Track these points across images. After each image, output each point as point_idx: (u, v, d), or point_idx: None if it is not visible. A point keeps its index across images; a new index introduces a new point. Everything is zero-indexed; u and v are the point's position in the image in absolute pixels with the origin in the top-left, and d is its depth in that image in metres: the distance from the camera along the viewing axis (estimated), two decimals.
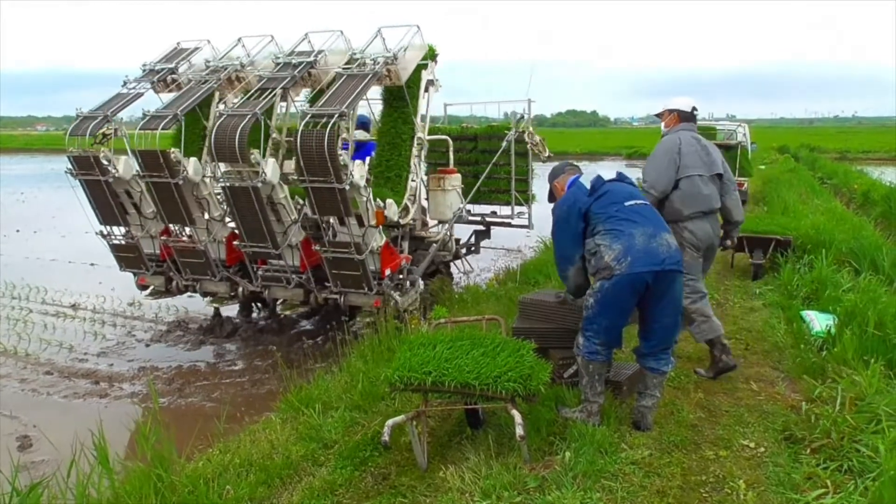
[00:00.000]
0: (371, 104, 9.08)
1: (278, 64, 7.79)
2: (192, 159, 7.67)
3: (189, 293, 8.89)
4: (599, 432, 3.97)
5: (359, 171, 7.07)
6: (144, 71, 8.43)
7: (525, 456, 3.78)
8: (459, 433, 4.37)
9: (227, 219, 8.00)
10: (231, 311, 9.63)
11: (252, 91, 7.46)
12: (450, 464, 3.89)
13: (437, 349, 3.98)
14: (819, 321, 6.01)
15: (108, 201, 7.91)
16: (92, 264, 13.26)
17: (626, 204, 4.21)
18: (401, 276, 7.85)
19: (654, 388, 4.28)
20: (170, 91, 8.50)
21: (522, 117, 9.30)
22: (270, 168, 7.08)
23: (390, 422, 3.81)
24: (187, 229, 8.14)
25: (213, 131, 6.94)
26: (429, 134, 9.07)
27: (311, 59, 7.77)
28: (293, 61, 7.72)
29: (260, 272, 7.89)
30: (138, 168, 7.55)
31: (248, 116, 6.91)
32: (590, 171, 4.85)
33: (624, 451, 3.91)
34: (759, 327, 6.52)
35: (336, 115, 6.68)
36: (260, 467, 4.03)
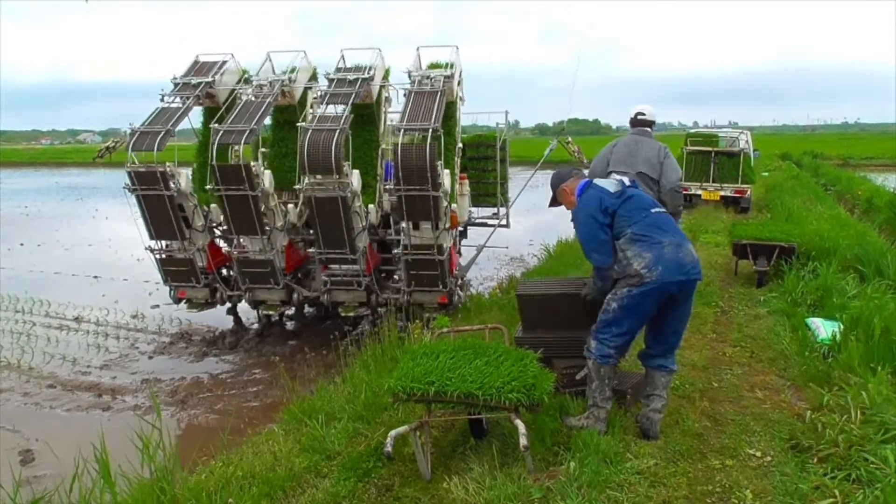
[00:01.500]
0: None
1: (331, 80, 8.28)
2: (268, 172, 7.98)
3: (230, 303, 9.14)
4: (604, 442, 3.94)
5: (447, 179, 7.67)
6: (176, 85, 8.53)
7: (529, 466, 3.75)
8: (463, 443, 4.34)
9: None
10: (224, 320, 9.62)
11: (323, 105, 8.00)
12: (453, 474, 3.86)
13: (439, 359, 3.96)
14: (824, 328, 5.97)
15: (167, 216, 8.00)
16: (95, 277, 13.29)
17: (652, 211, 4.22)
18: (459, 274, 8.46)
19: (663, 388, 4.26)
20: (201, 104, 8.67)
21: (563, 129, 9.66)
22: (356, 179, 7.62)
23: (393, 432, 3.79)
24: (243, 240, 8.26)
25: (305, 145, 7.29)
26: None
27: (367, 75, 8.36)
28: (348, 77, 8.23)
29: (324, 277, 8.27)
30: (215, 181, 7.65)
31: (338, 131, 7.34)
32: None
33: (629, 461, 3.87)
34: (763, 335, 6.48)
35: (431, 131, 7.34)
36: (263, 479, 4.00)
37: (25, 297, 11.39)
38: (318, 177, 7.53)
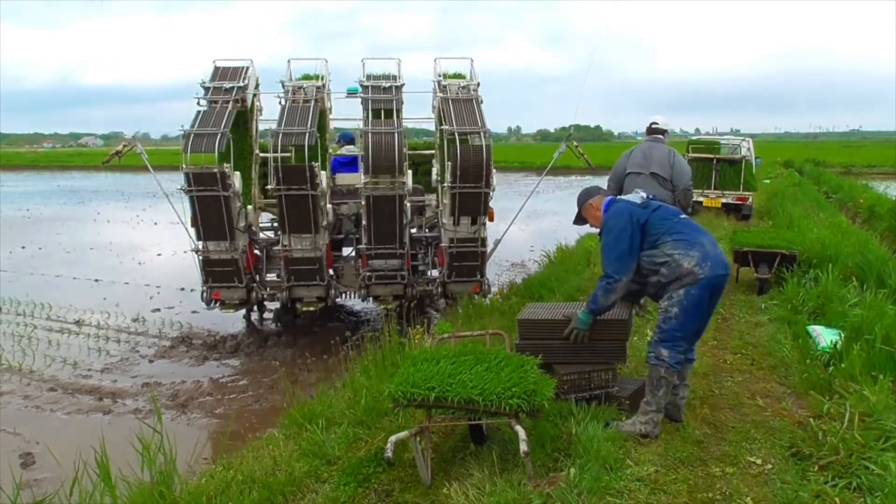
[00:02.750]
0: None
1: (365, 87, 8.83)
2: (324, 172, 8.36)
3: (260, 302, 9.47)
4: (604, 448, 3.93)
5: (495, 178, 8.37)
6: (207, 89, 8.66)
7: (529, 472, 3.74)
8: (463, 449, 4.34)
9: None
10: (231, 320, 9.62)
11: (368, 111, 8.63)
12: (453, 480, 3.86)
13: (440, 364, 3.96)
14: (825, 336, 5.97)
15: (220, 216, 8.13)
16: (96, 280, 13.30)
17: (682, 217, 4.50)
18: None
19: (687, 376, 4.59)
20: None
21: (570, 135, 10.13)
22: (410, 179, 8.23)
23: (393, 438, 3.79)
24: (285, 239, 8.49)
25: (370, 147, 7.83)
26: (414, 149, 10.56)
27: (400, 83, 9.07)
28: (383, 85, 8.88)
29: (365, 273, 8.68)
30: (277, 181, 7.94)
31: (397, 134, 7.98)
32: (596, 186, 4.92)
33: (629, 468, 3.87)
34: (764, 342, 6.48)
35: (485, 133, 8.15)
36: (263, 484, 4.00)
37: (26, 300, 11.40)
38: (381, 177, 8.09)
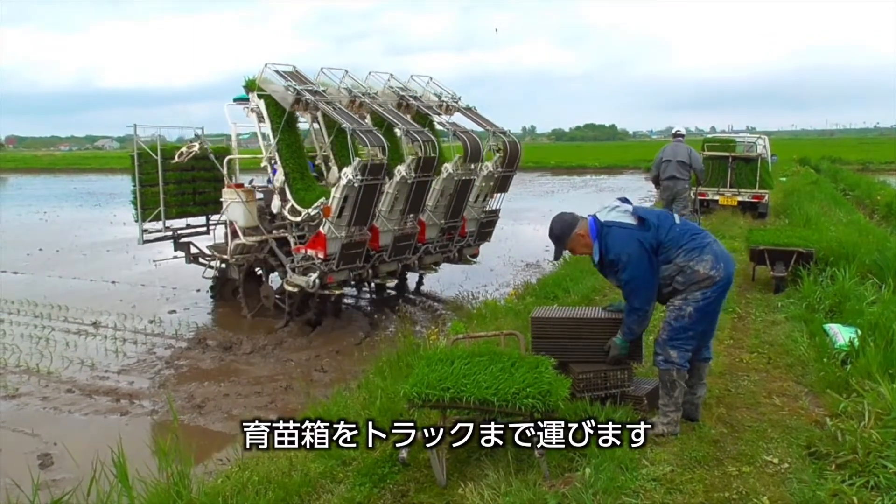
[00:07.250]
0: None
1: (401, 96, 10.19)
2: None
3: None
4: (619, 448, 3.92)
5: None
6: (296, 91, 8.89)
7: (545, 472, 3.74)
8: (478, 449, 4.33)
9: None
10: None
11: (423, 114, 10.34)
12: (469, 480, 3.86)
13: (454, 365, 3.97)
14: (842, 334, 5.92)
15: (372, 202, 8.84)
16: (113, 282, 13.39)
17: (679, 222, 4.46)
18: None
19: (704, 375, 4.62)
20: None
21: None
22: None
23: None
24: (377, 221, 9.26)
25: (467, 143, 9.60)
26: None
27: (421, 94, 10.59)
28: (417, 94, 10.41)
29: (424, 246, 10.29)
30: (412, 172, 9.00)
31: (475, 134, 9.92)
32: (608, 185, 4.89)
33: (645, 468, 3.86)
34: (781, 341, 6.44)
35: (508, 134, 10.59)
36: (279, 485, 4.02)
37: (44, 303, 11.49)
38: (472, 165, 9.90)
